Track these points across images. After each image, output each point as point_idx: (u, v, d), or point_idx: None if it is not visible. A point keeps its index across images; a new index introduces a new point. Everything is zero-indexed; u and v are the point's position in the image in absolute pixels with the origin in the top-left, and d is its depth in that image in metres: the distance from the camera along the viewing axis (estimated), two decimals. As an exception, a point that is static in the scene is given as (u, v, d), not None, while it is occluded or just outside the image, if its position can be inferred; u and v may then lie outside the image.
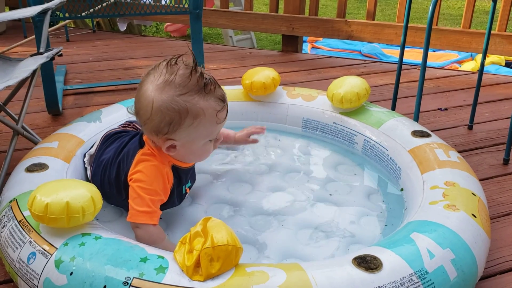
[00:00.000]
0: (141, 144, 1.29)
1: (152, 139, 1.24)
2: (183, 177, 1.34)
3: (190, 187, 1.42)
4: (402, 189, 1.46)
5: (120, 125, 1.55)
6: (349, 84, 1.71)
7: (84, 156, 1.47)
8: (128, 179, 1.25)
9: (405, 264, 1.01)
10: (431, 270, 1.01)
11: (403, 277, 0.98)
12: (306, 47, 4.92)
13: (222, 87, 1.25)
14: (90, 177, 1.42)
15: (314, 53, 3.93)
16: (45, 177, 1.28)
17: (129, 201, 1.22)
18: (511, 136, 1.76)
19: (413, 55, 4.34)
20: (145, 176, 1.23)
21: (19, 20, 3.60)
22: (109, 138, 1.43)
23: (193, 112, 1.17)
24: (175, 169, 1.30)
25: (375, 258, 1.01)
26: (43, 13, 1.77)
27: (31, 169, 1.32)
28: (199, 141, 1.24)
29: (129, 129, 1.49)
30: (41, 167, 1.33)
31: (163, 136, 1.20)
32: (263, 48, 4.83)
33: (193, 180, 1.43)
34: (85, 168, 1.46)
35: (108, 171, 1.34)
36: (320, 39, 5.01)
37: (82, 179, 1.40)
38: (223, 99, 1.22)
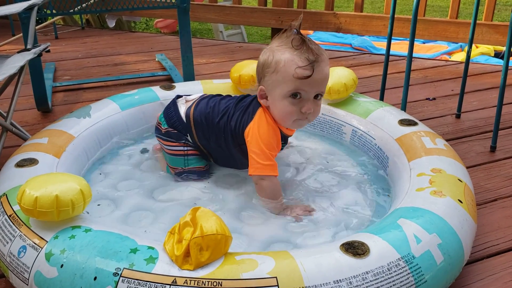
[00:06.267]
0: (259, 104, 1.42)
1: (259, 92, 1.38)
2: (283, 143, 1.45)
3: None
4: (389, 195, 1.47)
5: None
6: (337, 75, 1.72)
7: (179, 96, 1.58)
8: (247, 132, 1.37)
9: (392, 249, 1.02)
10: (418, 254, 1.03)
11: (390, 262, 1.00)
12: (297, 41, 4.91)
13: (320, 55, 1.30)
14: (185, 111, 1.51)
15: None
16: (35, 172, 1.28)
17: (253, 155, 1.36)
18: (498, 124, 1.78)
19: (403, 47, 4.35)
20: (265, 133, 1.36)
21: (7, 17, 3.58)
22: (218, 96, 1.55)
23: (276, 58, 1.31)
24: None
25: (362, 244, 1.02)
26: (29, 9, 1.76)
27: (20, 164, 1.33)
28: (276, 90, 1.33)
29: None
30: (31, 162, 1.34)
31: (261, 81, 1.38)
32: (252, 42, 4.83)
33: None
34: (174, 103, 1.54)
35: (227, 116, 1.44)
36: (311, 32, 5.01)
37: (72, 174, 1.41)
38: (309, 61, 1.28)
